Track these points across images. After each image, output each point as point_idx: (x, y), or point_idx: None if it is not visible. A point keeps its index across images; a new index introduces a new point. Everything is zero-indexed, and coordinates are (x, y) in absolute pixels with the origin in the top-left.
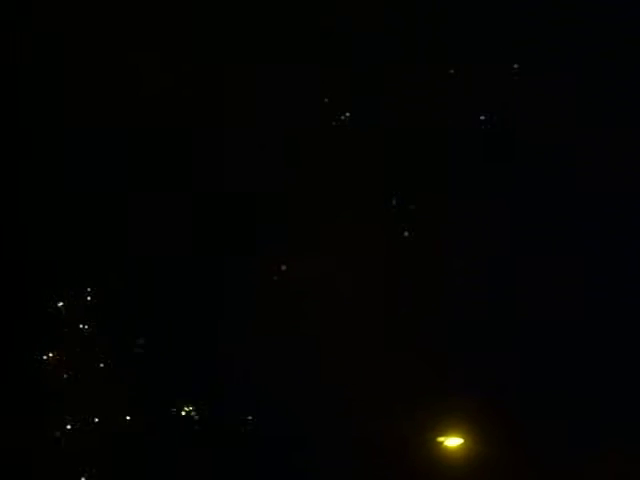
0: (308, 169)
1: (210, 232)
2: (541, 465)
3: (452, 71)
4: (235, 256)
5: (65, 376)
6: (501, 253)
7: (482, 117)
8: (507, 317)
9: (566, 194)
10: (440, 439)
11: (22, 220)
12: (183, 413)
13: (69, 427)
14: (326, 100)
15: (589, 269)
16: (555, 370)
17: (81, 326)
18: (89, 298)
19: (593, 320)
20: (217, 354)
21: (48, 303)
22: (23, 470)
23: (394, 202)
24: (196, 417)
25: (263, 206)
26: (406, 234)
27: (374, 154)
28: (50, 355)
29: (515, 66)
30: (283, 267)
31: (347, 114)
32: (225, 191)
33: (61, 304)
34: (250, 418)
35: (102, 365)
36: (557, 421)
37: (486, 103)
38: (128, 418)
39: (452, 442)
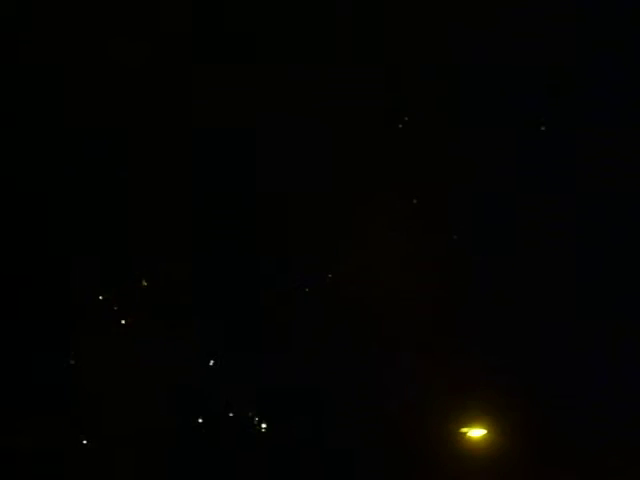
0: (315, 170)
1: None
2: (564, 456)
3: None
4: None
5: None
6: (522, 250)
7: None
8: (530, 309)
9: (567, 193)
10: (463, 430)
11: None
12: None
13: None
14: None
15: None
16: (577, 361)
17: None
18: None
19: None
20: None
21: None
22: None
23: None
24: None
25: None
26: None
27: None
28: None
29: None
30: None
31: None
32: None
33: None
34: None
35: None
36: (580, 411)
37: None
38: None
39: (475, 433)
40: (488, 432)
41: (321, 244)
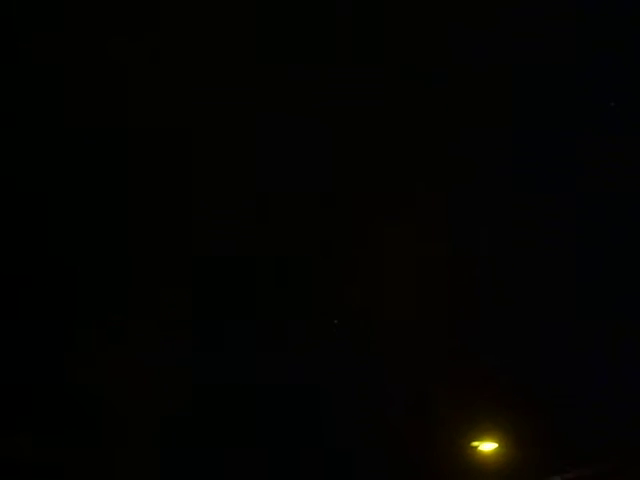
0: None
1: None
2: (575, 470)
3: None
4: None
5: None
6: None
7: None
8: (539, 322)
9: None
10: (474, 444)
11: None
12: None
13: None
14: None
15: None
16: (590, 374)
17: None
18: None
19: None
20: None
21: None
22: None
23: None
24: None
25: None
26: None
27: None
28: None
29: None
30: None
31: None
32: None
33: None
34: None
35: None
36: (592, 424)
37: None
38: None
39: (486, 447)
40: (499, 446)
41: (320, 245)
